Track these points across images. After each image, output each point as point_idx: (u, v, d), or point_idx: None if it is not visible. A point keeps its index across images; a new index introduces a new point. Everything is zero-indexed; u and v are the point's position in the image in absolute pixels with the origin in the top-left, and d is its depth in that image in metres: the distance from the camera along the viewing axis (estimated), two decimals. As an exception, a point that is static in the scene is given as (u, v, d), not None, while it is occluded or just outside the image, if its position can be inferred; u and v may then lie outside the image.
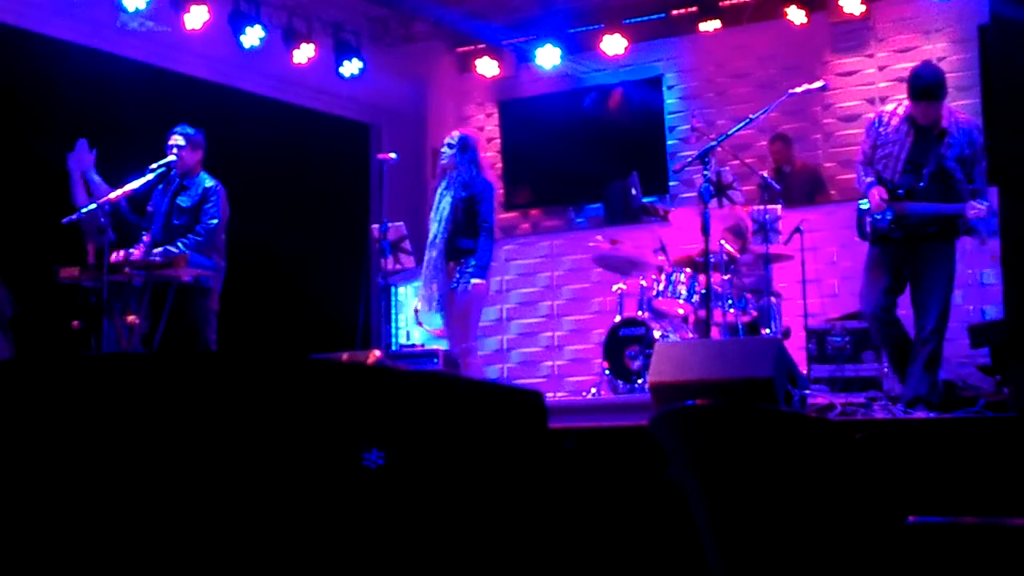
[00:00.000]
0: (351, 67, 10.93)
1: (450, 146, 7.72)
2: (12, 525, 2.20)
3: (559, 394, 9.99)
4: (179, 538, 2.10)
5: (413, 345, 9.98)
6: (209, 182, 7.48)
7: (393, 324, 10.36)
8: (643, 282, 8.74)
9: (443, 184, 7.70)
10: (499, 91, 12.13)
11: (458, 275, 7.58)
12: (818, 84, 7.13)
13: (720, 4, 10.82)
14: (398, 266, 7.47)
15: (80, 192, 7.73)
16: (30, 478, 2.21)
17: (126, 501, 2.13)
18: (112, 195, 7.23)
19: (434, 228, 7.58)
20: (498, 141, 12.13)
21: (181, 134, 7.47)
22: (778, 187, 8.56)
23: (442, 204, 7.60)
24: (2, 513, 2.21)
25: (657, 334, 8.26)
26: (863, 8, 10.20)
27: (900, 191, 6.34)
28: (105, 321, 6.96)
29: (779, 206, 8.33)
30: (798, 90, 7.19)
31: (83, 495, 2.16)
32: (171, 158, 7.39)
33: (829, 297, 9.18)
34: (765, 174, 8.48)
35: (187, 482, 2.11)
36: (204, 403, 2.14)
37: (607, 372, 8.58)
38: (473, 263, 7.54)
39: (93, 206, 7.08)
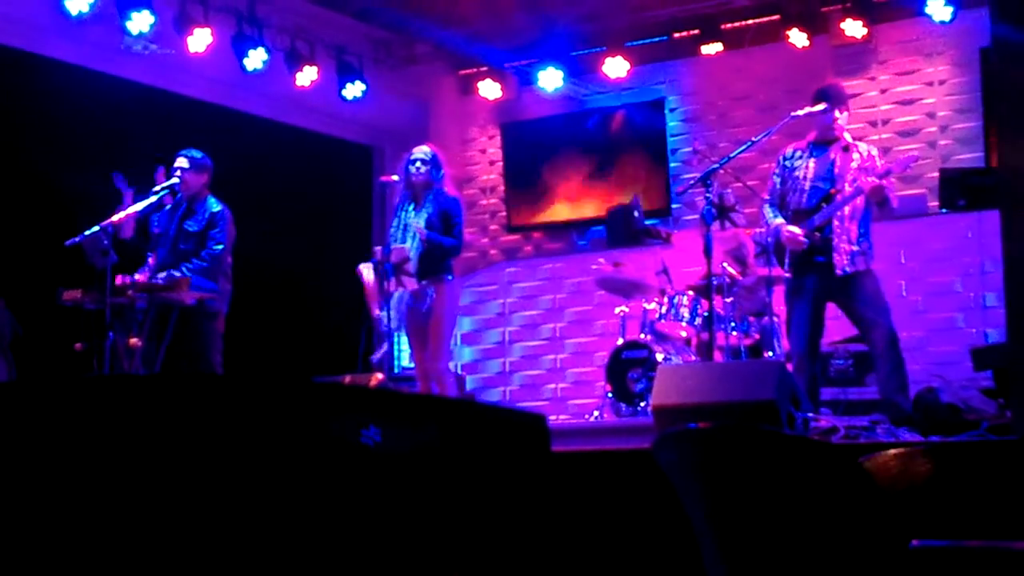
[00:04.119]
0: (353, 89, 10.95)
1: (424, 162, 7.60)
2: (14, 547, 2.20)
3: (562, 417, 9.98)
4: (179, 560, 2.09)
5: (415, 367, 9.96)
6: (216, 207, 7.48)
7: (395, 347, 10.35)
8: (646, 305, 8.74)
9: (409, 201, 7.61)
10: (501, 114, 12.15)
11: (431, 292, 7.51)
12: (820, 107, 7.14)
13: (722, 27, 10.84)
14: (400, 288, 7.45)
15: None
16: (32, 500, 2.21)
17: (127, 524, 2.12)
18: (115, 217, 7.24)
19: (409, 245, 7.48)
20: (501, 163, 12.14)
21: (185, 157, 7.48)
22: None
23: (417, 222, 7.49)
24: (4, 535, 2.21)
25: (660, 357, 8.25)
26: (865, 31, 10.21)
27: None
28: (108, 343, 6.96)
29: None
30: (800, 113, 7.20)
31: (85, 517, 2.15)
32: (174, 180, 7.40)
33: (832, 319, 9.15)
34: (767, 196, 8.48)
35: (186, 505, 2.11)
36: (205, 425, 2.13)
37: (610, 395, 8.57)
38: (448, 279, 7.53)
39: (96, 228, 7.09)
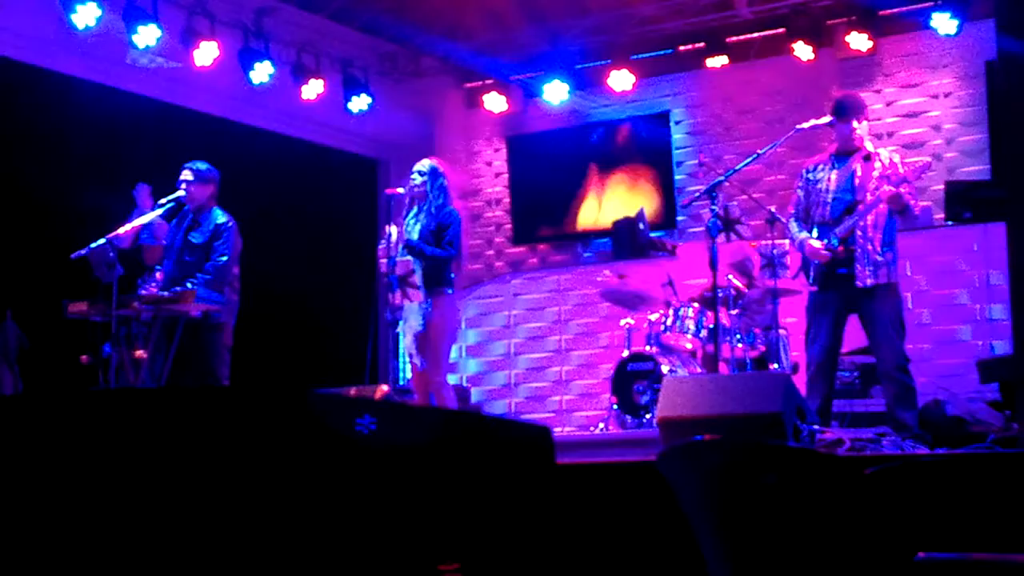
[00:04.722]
0: (359, 103, 10.97)
1: (420, 174, 7.58)
2: (23, 557, 2.20)
3: (567, 429, 9.97)
4: (177, 561, 2.10)
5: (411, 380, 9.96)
6: (222, 218, 7.48)
7: (401, 359, 10.36)
8: (651, 317, 8.74)
9: (411, 213, 7.60)
10: (507, 126, 12.16)
11: (428, 304, 7.46)
12: (825, 120, 7.13)
13: (727, 40, 10.85)
14: (406, 301, 7.44)
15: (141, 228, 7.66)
16: (41, 511, 2.21)
17: (133, 533, 2.12)
18: (120, 230, 7.26)
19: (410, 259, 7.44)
20: (506, 176, 12.15)
21: (191, 169, 7.49)
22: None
23: (413, 234, 7.47)
24: (13, 545, 2.21)
25: (665, 369, 8.25)
26: (870, 44, 10.22)
27: None
28: (114, 356, 6.96)
29: (787, 240, 8.32)
30: (805, 125, 7.20)
31: (93, 526, 2.16)
32: (179, 193, 7.41)
33: (838, 332, 9.16)
34: (772, 209, 8.49)
35: (190, 512, 2.11)
36: (209, 437, 2.13)
37: (615, 407, 8.57)
38: (448, 292, 7.48)
39: (102, 241, 7.10)
